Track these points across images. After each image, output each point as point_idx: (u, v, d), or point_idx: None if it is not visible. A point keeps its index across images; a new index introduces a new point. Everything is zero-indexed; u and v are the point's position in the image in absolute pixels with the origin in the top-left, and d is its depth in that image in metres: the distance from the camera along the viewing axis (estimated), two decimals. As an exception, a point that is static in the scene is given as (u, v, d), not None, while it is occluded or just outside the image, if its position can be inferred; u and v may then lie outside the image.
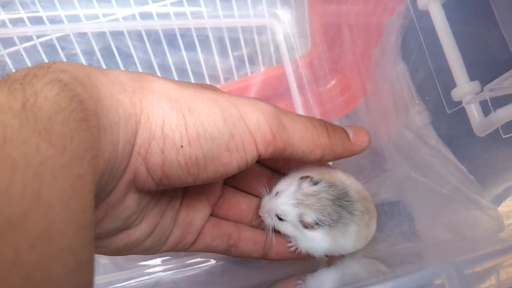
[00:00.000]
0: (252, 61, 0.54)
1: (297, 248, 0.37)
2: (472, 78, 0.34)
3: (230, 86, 0.53)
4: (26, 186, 0.16)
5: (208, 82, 0.53)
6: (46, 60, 0.49)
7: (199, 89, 0.28)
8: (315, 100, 0.54)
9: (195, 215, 0.34)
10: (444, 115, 0.37)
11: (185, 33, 0.51)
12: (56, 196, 0.16)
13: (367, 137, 0.34)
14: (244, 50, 0.54)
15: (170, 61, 0.51)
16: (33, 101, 0.18)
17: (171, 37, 0.51)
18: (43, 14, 0.47)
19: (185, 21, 0.51)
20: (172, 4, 0.50)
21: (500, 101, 0.31)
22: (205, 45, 0.52)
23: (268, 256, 0.38)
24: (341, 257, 0.38)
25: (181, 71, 0.52)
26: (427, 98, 0.39)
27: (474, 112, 0.34)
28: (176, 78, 0.52)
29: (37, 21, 0.47)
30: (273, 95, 0.54)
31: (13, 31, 0.47)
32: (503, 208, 0.34)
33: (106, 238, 0.29)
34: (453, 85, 0.35)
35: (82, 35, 0.49)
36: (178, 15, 0.51)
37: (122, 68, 0.50)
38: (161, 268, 0.46)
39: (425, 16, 0.36)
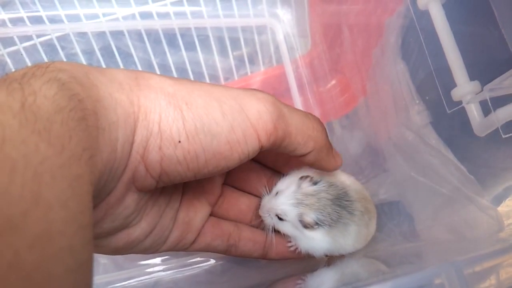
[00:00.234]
0: (252, 61, 0.54)
1: (297, 248, 0.37)
2: (472, 78, 0.34)
3: (230, 86, 0.53)
4: (25, 186, 0.15)
5: (208, 82, 0.53)
6: (46, 60, 0.49)
7: (197, 83, 0.27)
8: (315, 100, 0.54)
9: (195, 214, 0.34)
10: (444, 115, 0.37)
11: (185, 33, 0.51)
12: (55, 196, 0.16)
13: (341, 162, 0.34)
14: (244, 50, 0.54)
15: (170, 60, 0.51)
16: (32, 101, 0.18)
17: (171, 37, 0.51)
18: (43, 13, 0.47)
19: (185, 21, 0.51)
20: (172, 3, 0.50)
21: (500, 101, 0.31)
22: (205, 44, 0.52)
23: (268, 256, 0.38)
24: (341, 257, 0.38)
25: (181, 70, 0.52)
26: (427, 98, 0.39)
27: (474, 112, 0.34)
28: (176, 77, 0.52)
29: (37, 20, 0.47)
30: (273, 95, 0.53)
31: (13, 31, 0.47)
32: (503, 208, 0.34)
33: (105, 238, 0.28)
34: (453, 85, 0.35)
35: (82, 35, 0.49)
36: (178, 14, 0.51)
37: (122, 68, 0.50)
38: (161, 267, 0.46)
39: (425, 16, 0.36)
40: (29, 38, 0.47)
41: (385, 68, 0.42)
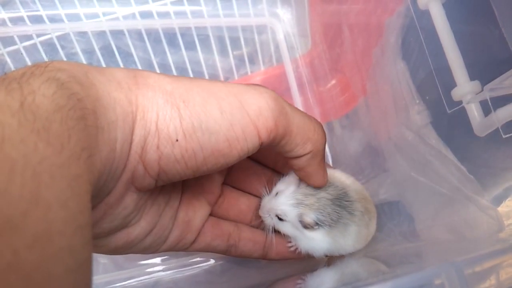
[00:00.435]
0: (252, 60, 0.54)
1: (297, 248, 0.37)
2: (472, 77, 0.34)
3: (231, 84, 0.53)
4: (24, 186, 0.15)
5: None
6: (46, 59, 0.49)
7: (196, 80, 0.27)
8: (315, 100, 0.54)
9: (195, 214, 0.34)
10: (444, 115, 0.37)
11: (185, 32, 0.51)
12: (54, 196, 0.16)
13: (326, 182, 0.35)
14: (244, 50, 0.53)
15: (170, 60, 0.51)
16: (31, 100, 0.18)
17: (171, 36, 0.51)
18: (43, 13, 0.47)
19: (185, 20, 0.51)
20: (172, 3, 0.50)
21: (500, 101, 0.31)
22: (205, 44, 0.52)
23: (268, 256, 0.38)
24: (341, 257, 0.38)
25: (181, 70, 0.52)
26: (427, 97, 0.39)
27: (474, 112, 0.34)
28: (176, 77, 0.52)
29: (37, 20, 0.47)
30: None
31: (13, 30, 0.47)
32: (503, 208, 0.34)
33: (105, 237, 0.28)
34: (453, 84, 0.35)
35: (82, 34, 0.49)
36: (178, 14, 0.51)
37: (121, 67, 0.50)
38: (160, 267, 0.46)
39: (425, 15, 0.36)
40: (29, 37, 0.47)
41: (385, 67, 0.42)
